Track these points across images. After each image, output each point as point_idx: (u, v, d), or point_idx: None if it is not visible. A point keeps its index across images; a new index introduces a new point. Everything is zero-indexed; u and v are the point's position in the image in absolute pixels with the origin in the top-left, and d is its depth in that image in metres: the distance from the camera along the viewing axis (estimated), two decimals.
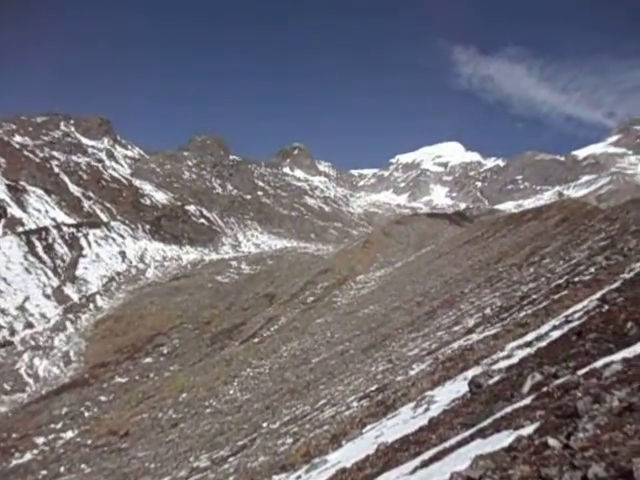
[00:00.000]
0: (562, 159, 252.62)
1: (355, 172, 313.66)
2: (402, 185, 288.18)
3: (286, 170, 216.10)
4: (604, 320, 7.55)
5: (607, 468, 2.46)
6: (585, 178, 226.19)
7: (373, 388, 16.04)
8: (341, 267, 62.47)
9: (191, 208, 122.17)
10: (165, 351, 55.62)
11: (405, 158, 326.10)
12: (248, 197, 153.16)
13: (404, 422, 9.43)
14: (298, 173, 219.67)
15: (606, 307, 8.76)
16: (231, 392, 33.23)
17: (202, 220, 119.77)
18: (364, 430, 11.19)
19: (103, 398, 45.39)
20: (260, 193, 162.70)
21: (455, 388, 9.84)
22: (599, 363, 5.07)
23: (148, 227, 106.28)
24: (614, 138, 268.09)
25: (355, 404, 15.31)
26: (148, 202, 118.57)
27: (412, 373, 15.02)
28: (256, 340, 46.85)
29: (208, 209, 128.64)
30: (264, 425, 21.22)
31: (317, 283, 58.61)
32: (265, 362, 37.45)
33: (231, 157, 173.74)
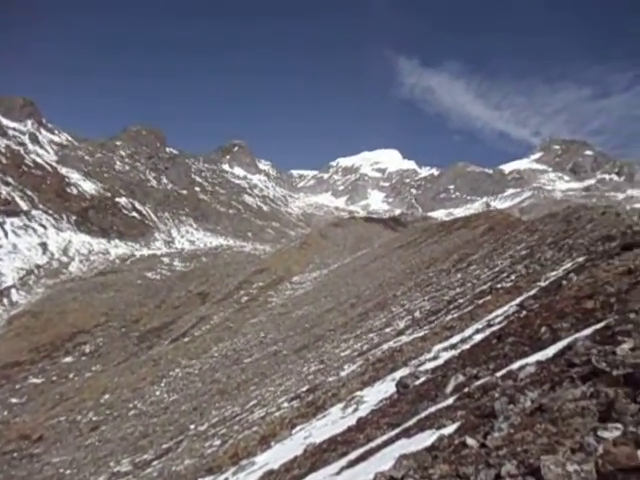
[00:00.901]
0: (490, 172, 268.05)
1: (295, 173, 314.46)
2: (341, 188, 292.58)
3: (225, 167, 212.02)
4: (521, 325, 8.05)
5: (518, 466, 2.61)
6: (510, 191, 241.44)
7: (304, 389, 16.09)
8: (277, 267, 62.25)
9: (122, 200, 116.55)
10: (87, 350, 52.57)
11: (345, 162, 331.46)
12: (184, 192, 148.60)
13: (333, 422, 9.53)
14: (237, 170, 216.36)
15: (524, 312, 9.35)
16: (158, 393, 32.02)
17: (134, 213, 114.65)
18: (293, 431, 11.19)
19: (15, 400, 42.09)
20: (197, 189, 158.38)
21: (384, 388, 10.08)
22: (515, 365, 5.38)
23: (74, 218, 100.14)
24: (536, 156, 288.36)
25: (286, 405, 15.28)
26: (75, 192, 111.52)
27: (343, 374, 15.22)
28: (186, 339, 45.52)
29: (141, 202, 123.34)
30: (191, 427, 20.65)
31: (252, 282, 58.01)
32: (195, 362, 36.47)
33: (168, 150, 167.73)
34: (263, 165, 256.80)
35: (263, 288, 55.19)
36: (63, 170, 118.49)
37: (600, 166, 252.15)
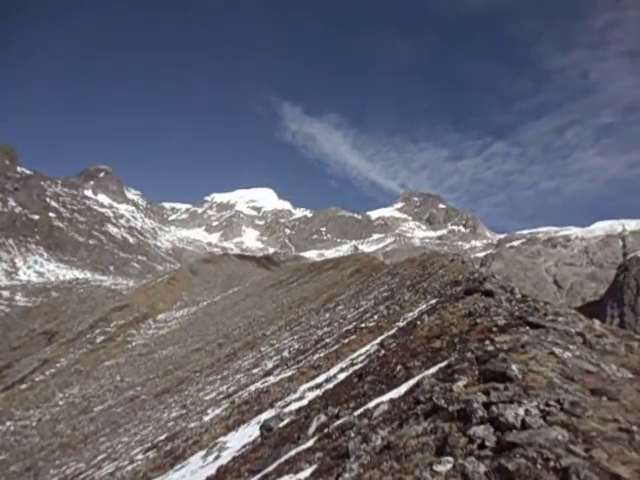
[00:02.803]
0: (359, 217, 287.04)
1: (167, 205, 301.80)
2: (215, 224, 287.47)
3: (88, 193, 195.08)
4: (380, 363, 8.55)
5: None
6: (376, 236, 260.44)
7: (162, 437, 14.95)
8: (141, 304, 58.06)
9: None
10: None
11: (220, 198, 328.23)
12: (35, 217, 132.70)
13: (192, 473, 8.97)
14: (102, 198, 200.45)
15: (383, 352, 9.96)
16: None
17: None
18: None
19: None
20: (52, 214, 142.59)
21: (248, 432, 9.83)
22: (372, 404, 5.66)
23: None
24: (399, 205, 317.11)
25: (140, 457, 13.98)
26: None
27: (206, 419, 14.51)
28: (24, 386, 39.52)
29: None
30: None
31: (111, 321, 53.12)
32: (33, 413, 31.71)
33: (19, 169, 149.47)
34: (132, 194, 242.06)
35: (123, 327, 50.82)
36: None
37: (451, 218, 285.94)
